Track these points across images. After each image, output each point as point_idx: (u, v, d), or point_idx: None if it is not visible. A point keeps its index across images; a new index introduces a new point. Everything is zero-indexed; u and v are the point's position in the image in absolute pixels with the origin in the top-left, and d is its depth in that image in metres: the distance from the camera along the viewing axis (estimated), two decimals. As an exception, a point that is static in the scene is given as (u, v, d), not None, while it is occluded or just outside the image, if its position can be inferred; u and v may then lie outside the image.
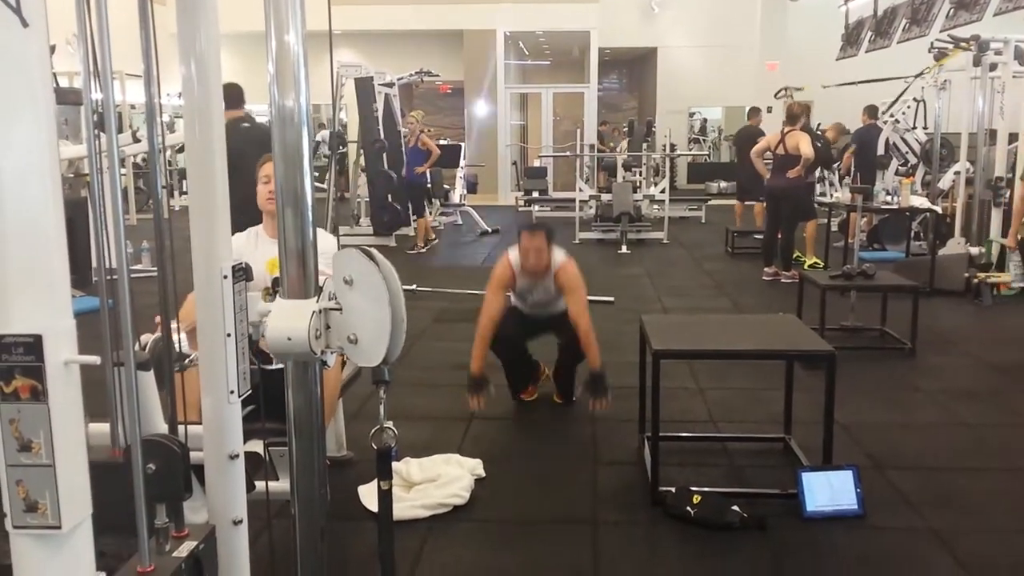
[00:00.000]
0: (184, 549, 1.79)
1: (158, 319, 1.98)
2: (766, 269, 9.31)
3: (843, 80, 15.83)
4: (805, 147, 8.62)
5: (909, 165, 11.24)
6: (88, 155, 1.72)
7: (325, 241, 2.65)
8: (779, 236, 9.19)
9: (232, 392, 1.94)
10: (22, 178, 1.33)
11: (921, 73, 10.46)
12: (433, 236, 12.19)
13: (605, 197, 12.79)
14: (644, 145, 15.63)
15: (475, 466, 4.11)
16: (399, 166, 12.38)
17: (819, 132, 10.81)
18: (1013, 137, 8.84)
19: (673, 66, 20.76)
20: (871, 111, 11.38)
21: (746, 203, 12.22)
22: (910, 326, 6.11)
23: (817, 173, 10.48)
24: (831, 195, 10.34)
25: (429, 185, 14.05)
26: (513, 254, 4.93)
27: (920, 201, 8.94)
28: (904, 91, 10.80)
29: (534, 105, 21.26)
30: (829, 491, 3.65)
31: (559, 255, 4.89)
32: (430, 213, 13.98)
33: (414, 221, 12.18)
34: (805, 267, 9.26)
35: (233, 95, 6.16)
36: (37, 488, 1.41)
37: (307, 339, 1.91)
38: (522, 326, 5.08)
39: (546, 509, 3.81)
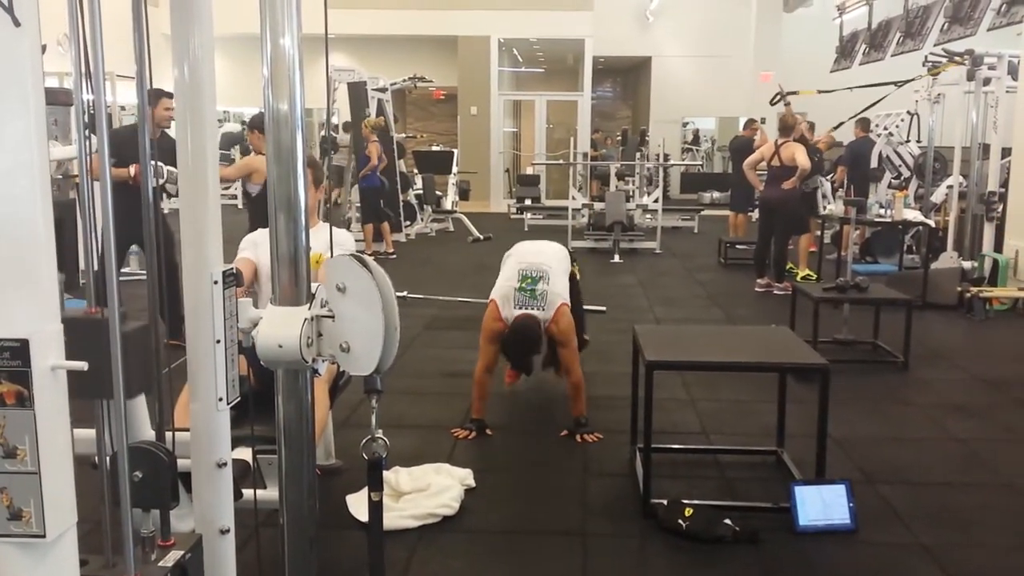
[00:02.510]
0: (170, 558, 1.76)
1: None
2: (758, 280, 9.30)
3: (837, 91, 15.90)
4: (801, 158, 8.62)
5: (902, 178, 11.27)
6: (78, 156, 1.69)
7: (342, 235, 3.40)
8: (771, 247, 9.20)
9: (221, 399, 1.91)
10: (11, 178, 1.31)
11: (911, 79, 10.51)
12: (392, 251, 11.71)
13: (598, 206, 12.78)
14: (637, 154, 15.62)
15: (465, 476, 4.08)
16: (391, 172, 12.35)
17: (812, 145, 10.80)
18: (1006, 151, 8.87)
19: (667, 76, 20.78)
20: (864, 124, 11.40)
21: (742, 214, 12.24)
22: (903, 340, 6.11)
23: (816, 183, 10.47)
24: (824, 207, 10.34)
25: (420, 192, 14.02)
26: (503, 308, 4.69)
27: (913, 215, 8.96)
28: (885, 97, 10.85)
29: (527, 112, 21.27)
30: (821, 505, 3.63)
31: (557, 298, 4.71)
32: (421, 220, 13.97)
33: (361, 227, 11.77)
34: (798, 279, 9.28)
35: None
36: (21, 496, 1.38)
37: (298, 347, 1.88)
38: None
39: (536, 520, 3.78)
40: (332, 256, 2.03)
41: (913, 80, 10.44)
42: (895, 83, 10.81)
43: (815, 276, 9.32)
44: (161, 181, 5.52)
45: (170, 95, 6.71)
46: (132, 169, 5.44)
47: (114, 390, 1.59)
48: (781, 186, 8.78)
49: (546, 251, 5.01)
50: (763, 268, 9.29)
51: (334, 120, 15.41)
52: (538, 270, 4.75)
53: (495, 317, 4.72)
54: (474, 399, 4.81)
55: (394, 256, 11.44)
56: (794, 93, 11.21)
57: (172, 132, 6.76)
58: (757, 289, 9.24)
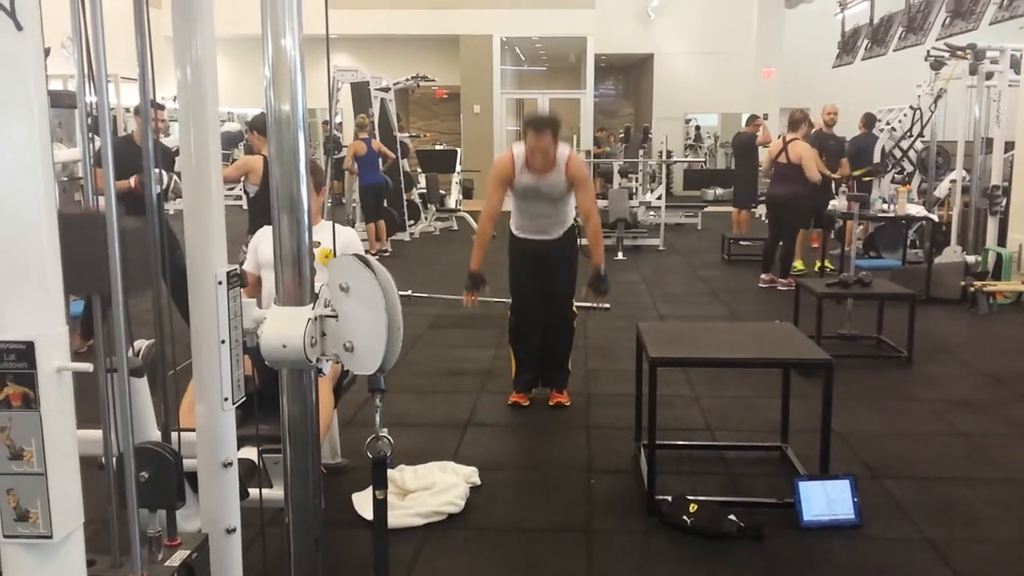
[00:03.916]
0: (176, 558, 1.77)
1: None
2: (763, 276, 9.30)
3: (839, 86, 15.89)
4: (811, 168, 8.63)
5: (905, 173, 11.25)
6: (82, 158, 1.70)
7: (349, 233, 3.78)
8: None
9: (226, 399, 1.92)
10: (15, 181, 1.32)
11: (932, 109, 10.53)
12: (387, 247, 11.77)
13: (601, 203, 12.74)
14: (640, 152, 15.61)
15: (470, 474, 4.09)
16: (394, 171, 12.35)
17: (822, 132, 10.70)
18: (1009, 145, 8.86)
19: (669, 73, 20.76)
20: (868, 120, 11.37)
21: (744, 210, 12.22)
22: (906, 334, 6.11)
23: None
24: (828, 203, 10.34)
25: (423, 191, 14.03)
26: (517, 149, 4.86)
27: (916, 209, 8.95)
28: (924, 122, 10.84)
29: (530, 111, 21.29)
30: (826, 500, 3.63)
31: (563, 147, 4.85)
32: (425, 219, 13.98)
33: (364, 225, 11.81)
34: (794, 270, 9.37)
35: None
36: (28, 497, 1.39)
37: (302, 347, 1.89)
38: (530, 271, 5.05)
39: (541, 517, 3.79)
40: (335, 253, 2.04)
41: (938, 92, 10.42)
42: (921, 108, 10.85)
43: (804, 270, 9.40)
44: (163, 187, 5.50)
45: (159, 107, 6.77)
46: (132, 180, 5.42)
47: (111, 287, 1.58)
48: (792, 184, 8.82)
49: None
50: (770, 264, 9.30)
51: (337, 119, 15.43)
52: None
53: (508, 158, 4.89)
54: (475, 249, 5.00)
55: (387, 254, 11.43)
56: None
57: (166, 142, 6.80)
58: (761, 284, 9.24)
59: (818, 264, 9.65)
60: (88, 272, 1.51)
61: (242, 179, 7.09)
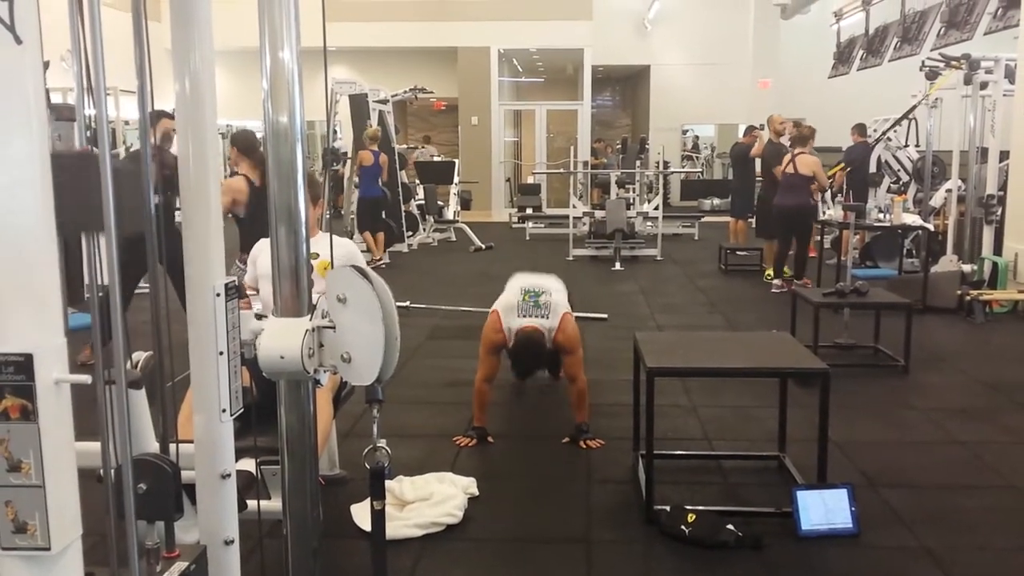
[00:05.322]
0: (175, 570, 1.77)
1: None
2: (796, 281, 9.38)
3: (835, 97, 15.96)
4: (823, 178, 9.11)
5: (901, 183, 11.28)
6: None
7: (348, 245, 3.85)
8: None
9: (224, 411, 1.92)
10: (13, 194, 1.32)
11: (914, 107, 10.66)
12: (380, 258, 11.62)
13: (599, 214, 12.78)
14: (637, 162, 15.64)
15: (468, 484, 4.09)
16: (392, 183, 12.37)
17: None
18: (1004, 155, 8.89)
19: (666, 84, 20.81)
20: (860, 129, 11.44)
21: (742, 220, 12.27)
22: (903, 343, 6.11)
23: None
24: (824, 212, 10.37)
25: (421, 202, 14.07)
26: (506, 318, 4.70)
27: (912, 219, 8.98)
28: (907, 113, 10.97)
29: (528, 122, 21.33)
30: (824, 509, 3.63)
31: (560, 306, 4.74)
32: (423, 230, 13.99)
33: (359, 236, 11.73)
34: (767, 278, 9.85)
35: None
36: (26, 509, 1.39)
37: (300, 358, 1.90)
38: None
39: (540, 528, 3.78)
40: (333, 264, 2.04)
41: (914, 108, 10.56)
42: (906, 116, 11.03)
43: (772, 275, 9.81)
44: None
45: (170, 116, 6.75)
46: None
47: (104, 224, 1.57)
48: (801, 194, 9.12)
49: (545, 279, 5.07)
50: (800, 271, 9.53)
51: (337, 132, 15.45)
52: (540, 288, 4.81)
53: (496, 328, 4.73)
54: (475, 408, 4.82)
55: (383, 266, 11.42)
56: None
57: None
58: (773, 291, 9.38)
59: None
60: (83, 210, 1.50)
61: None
